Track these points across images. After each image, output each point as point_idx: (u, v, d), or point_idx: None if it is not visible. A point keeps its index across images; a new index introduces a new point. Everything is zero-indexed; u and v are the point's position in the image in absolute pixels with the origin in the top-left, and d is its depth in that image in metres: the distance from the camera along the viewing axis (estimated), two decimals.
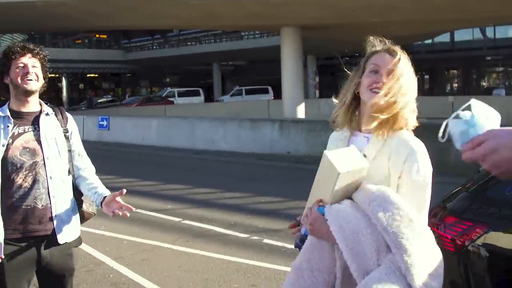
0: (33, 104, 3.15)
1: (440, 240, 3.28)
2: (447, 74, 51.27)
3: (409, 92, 2.25)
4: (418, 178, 2.17)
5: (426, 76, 51.58)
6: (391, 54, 2.26)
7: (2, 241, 2.89)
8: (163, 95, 43.59)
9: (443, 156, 12.49)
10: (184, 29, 50.93)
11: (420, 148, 2.20)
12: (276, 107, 28.40)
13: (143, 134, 19.86)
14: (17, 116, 3.09)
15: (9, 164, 2.96)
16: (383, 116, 2.21)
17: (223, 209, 9.13)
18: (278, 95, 30.96)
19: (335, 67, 51.38)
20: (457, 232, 3.21)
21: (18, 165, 2.97)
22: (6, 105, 3.14)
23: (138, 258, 6.67)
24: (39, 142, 3.05)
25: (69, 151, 3.18)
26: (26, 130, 3.07)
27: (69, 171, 3.18)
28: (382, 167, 2.20)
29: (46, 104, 3.25)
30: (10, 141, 2.99)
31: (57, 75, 57.94)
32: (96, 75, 62.61)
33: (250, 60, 58.34)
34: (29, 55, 3.04)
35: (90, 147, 16.77)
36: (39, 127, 3.09)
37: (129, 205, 3.15)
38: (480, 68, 47.65)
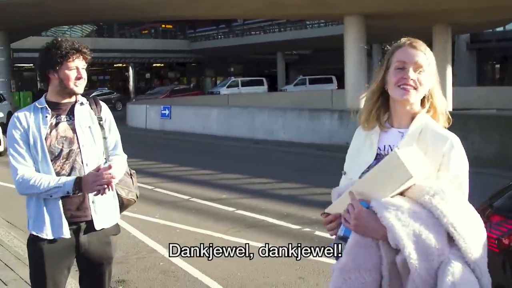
0: (70, 96, 3.21)
1: None
2: None
3: (437, 84, 2.24)
4: (457, 172, 2.13)
5: (497, 66, 49.78)
6: (414, 48, 2.21)
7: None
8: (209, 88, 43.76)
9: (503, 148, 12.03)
10: (248, 18, 50.98)
11: (456, 141, 2.17)
12: (340, 97, 28.06)
13: (203, 123, 20.04)
14: (54, 106, 3.15)
15: (47, 153, 3.03)
16: (417, 111, 2.22)
17: (277, 200, 9.09)
18: (342, 84, 30.61)
19: None
20: (502, 231, 3.09)
21: (56, 153, 3.04)
22: (43, 98, 3.20)
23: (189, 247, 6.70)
24: (74, 131, 3.11)
25: (104, 138, 3.23)
26: (63, 119, 3.14)
27: (105, 158, 3.22)
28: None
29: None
30: (49, 131, 3.07)
31: (125, 65, 59.33)
32: (162, 65, 63.61)
33: (315, 49, 57.91)
34: (81, 57, 3.09)
35: (152, 135, 17.20)
36: (73, 116, 3.16)
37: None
38: None
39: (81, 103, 3.23)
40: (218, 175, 11.84)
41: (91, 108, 3.25)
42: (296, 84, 44.31)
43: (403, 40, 2.26)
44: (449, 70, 26.92)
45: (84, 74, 3.11)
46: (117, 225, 3.30)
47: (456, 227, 1.94)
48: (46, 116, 3.10)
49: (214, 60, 61.89)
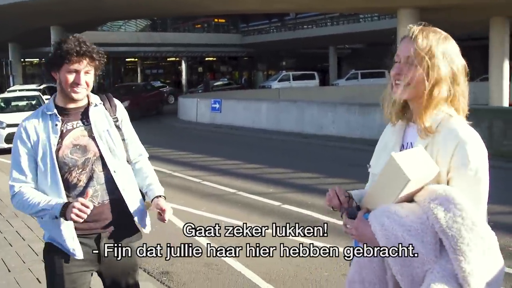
0: (81, 100, 2.94)
1: None
2: None
3: (442, 76, 2.02)
4: (468, 172, 1.94)
5: None
6: (412, 39, 2.05)
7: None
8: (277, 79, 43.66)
9: None
10: (300, 12, 50.74)
11: (470, 138, 1.97)
12: None
13: (253, 117, 20.06)
14: (64, 112, 2.90)
15: (61, 164, 2.80)
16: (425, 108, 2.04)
17: (324, 195, 8.96)
18: None
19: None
20: None
21: (70, 164, 2.81)
22: (52, 101, 2.96)
23: (235, 241, 6.72)
24: (92, 138, 2.87)
25: (123, 140, 2.99)
26: (75, 125, 2.89)
27: (128, 161, 3.01)
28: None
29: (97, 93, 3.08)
30: (60, 140, 2.82)
31: (177, 59, 59.95)
32: (214, 59, 64.02)
33: (368, 43, 57.18)
34: (85, 61, 2.79)
35: (203, 129, 17.32)
36: (89, 121, 2.90)
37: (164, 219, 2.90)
38: None
39: (95, 105, 2.96)
40: (265, 169, 11.84)
41: (106, 109, 3.00)
42: (348, 78, 43.87)
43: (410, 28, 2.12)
44: (506, 64, 26.14)
45: (85, 80, 2.81)
46: (138, 232, 3.07)
47: (448, 236, 1.82)
48: (56, 124, 2.85)
49: (266, 54, 61.91)
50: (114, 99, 3.10)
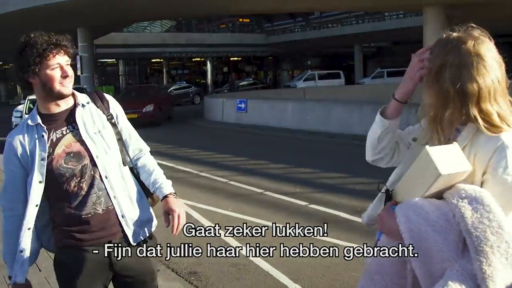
0: (66, 100, 2.72)
1: None
2: None
3: (505, 80, 2.01)
4: (505, 176, 1.90)
5: None
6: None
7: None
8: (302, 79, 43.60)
9: None
10: (325, 11, 50.62)
11: (511, 142, 1.93)
12: (418, 90, 27.32)
13: (279, 116, 20.05)
14: (50, 119, 2.68)
15: (57, 176, 2.62)
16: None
17: (351, 195, 8.96)
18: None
19: None
20: None
21: (67, 174, 2.62)
22: (35, 110, 2.72)
23: (261, 241, 6.72)
24: (82, 142, 2.66)
25: (119, 140, 2.78)
26: (64, 132, 2.68)
27: (123, 162, 2.79)
28: (469, 161, 1.97)
29: (84, 90, 2.82)
30: (51, 150, 2.63)
31: (203, 59, 60.20)
32: (239, 59, 64.16)
33: (394, 41, 56.76)
34: (62, 52, 2.58)
35: (228, 129, 17.29)
36: (77, 125, 2.68)
37: (177, 229, 2.66)
38: None
39: (82, 105, 2.74)
40: (292, 169, 11.83)
41: (97, 107, 2.78)
42: (373, 77, 43.64)
43: (462, 33, 2.04)
44: None
45: (70, 71, 2.61)
46: (152, 235, 2.90)
47: (473, 236, 1.79)
48: (43, 136, 2.63)
49: (291, 53, 61.87)
50: (105, 94, 2.90)
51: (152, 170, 2.86)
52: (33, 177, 2.61)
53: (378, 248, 2.07)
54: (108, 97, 2.87)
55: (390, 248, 2.01)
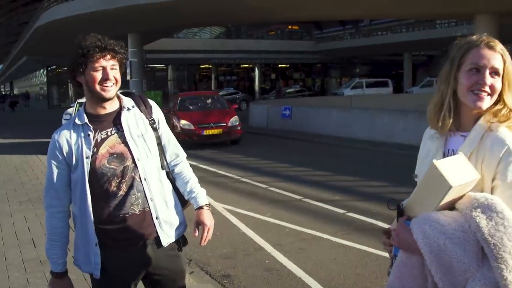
0: (112, 103, 2.80)
1: None
2: None
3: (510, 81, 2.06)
4: None
5: None
6: (492, 49, 2.05)
7: (100, 262, 2.76)
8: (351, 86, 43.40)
9: None
10: (375, 18, 50.26)
11: None
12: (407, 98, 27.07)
13: (323, 124, 20.00)
14: (96, 119, 2.77)
15: (99, 175, 2.69)
16: (482, 111, 2.07)
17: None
18: None
19: None
20: None
21: (109, 174, 2.70)
22: (82, 109, 2.82)
23: (296, 247, 6.77)
24: (126, 144, 2.75)
25: (159, 144, 2.88)
26: (109, 133, 2.76)
27: (162, 166, 2.89)
28: (476, 169, 2.01)
29: (131, 94, 2.96)
30: (95, 150, 2.71)
31: (251, 65, 60.56)
32: (287, 65, 64.25)
33: (444, 50, 55.86)
34: (108, 56, 2.65)
35: (273, 135, 17.23)
36: (122, 127, 2.77)
37: (205, 240, 2.85)
38: None
39: (128, 109, 2.84)
40: (333, 176, 11.80)
41: (141, 111, 2.87)
42: (422, 85, 43.00)
43: (477, 37, 2.10)
44: None
45: (113, 75, 2.67)
46: (183, 236, 2.99)
47: (490, 244, 1.81)
48: (89, 134, 2.72)
49: (339, 60, 61.61)
50: (149, 100, 2.98)
51: (188, 179, 2.98)
52: (78, 174, 2.70)
53: (397, 264, 2.09)
54: (151, 102, 2.95)
55: (410, 263, 2.02)
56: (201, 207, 2.91)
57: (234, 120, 17.98)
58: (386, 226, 7.55)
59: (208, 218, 2.88)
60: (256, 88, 58.20)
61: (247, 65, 62.13)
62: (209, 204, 2.99)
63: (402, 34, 50.29)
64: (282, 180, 11.27)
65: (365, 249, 6.55)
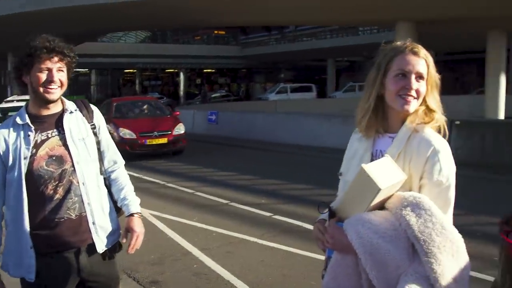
0: (55, 105, 2.78)
1: (510, 250, 3.10)
2: None
3: (436, 90, 2.19)
4: (440, 178, 2.07)
5: None
6: (416, 55, 2.16)
7: (34, 264, 2.69)
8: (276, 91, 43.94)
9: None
10: (300, 24, 51.07)
11: (442, 147, 2.11)
12: None
13: (249, 128, 20.12)
14: (38, 120, 2.73)
15: (36, 177, 2.64)
16: (416, 121, 2.17)
17: (316, 206, 9.04)
18: None
19: (455, 63, 49.43)
20: None
21: (46, 176, 2.65)
22: (24, 109, 2.78)
23: (223, 250, 6.80)
24: (66, 147, 2.72)
25: (99, 149, 2.87)
26: (50, 135, 2.73)
27: (101, 172, 2.88)
28: (404, 169, 2.11)
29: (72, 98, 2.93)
30: (34, 151, 2.66)
31: (176, 70, 60.24)
32: (213, 70, 64.31)
33: (366, 55, 57.43)
34: (56, 58, 2.63)
35: (199, 140, 17.11)
36: (63, 130, 2.74)
37: (133, 248, 2.87)
38: None
39: (71, 112, 2.81)
40: (258, 180, 11.89)
41: (83, 115, 2.86)
42: (345, 90, 44.08)
43: (402, 44, 2.21)
44: (503, 78, 26.27)
45: (58, 78, 2.65)
46: (118, 242, 2.97)
47: (420, 240, 1.93)
48: (29, 135, 2.68)
49: (264, 66, 62.21)
50: (91, 105, 2.97)
51: (123, 186, 2.99)
52: (14, 175, 2.64)
53: (332, 265, 2.14)
54: (93, 107, 2.95)
55: (345, 263, 2.09)
56: (131, 214, 2.92)
57: (179, 128, 16.37)
58: (312, 228, 7.70)
59: (137, 226, 2.88)
60: (181, 93, 57.90)
61: (172, 70, 61.72)
62: (140, 213, 2.98)
63: (326, 40, 51.32)
64: (208, 185, 11.27)
65: (291, 251, 6.65)
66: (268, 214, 8.60)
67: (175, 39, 61.16)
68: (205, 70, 63.83)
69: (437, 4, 20.87)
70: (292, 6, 22.89)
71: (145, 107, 18.07)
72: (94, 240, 2.78)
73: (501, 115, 25.15)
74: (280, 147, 17.34)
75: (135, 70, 60.00)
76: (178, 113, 18.68)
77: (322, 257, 6.67)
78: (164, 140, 15.80)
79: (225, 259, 6.42)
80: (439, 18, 23.39)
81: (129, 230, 2.87)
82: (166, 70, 62.40)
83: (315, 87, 45.31)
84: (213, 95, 47.36)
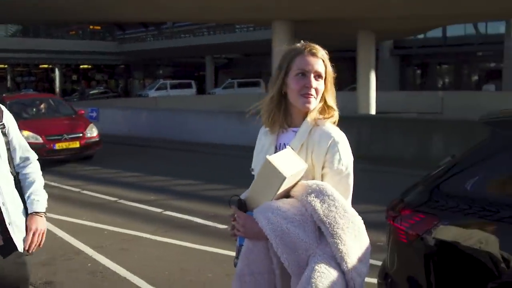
0: None
1: (396, 232, 3.39)
2: (438, 69, 51.10)
3: (333, 88, 2.41)
4: (340, 167, 2.30)
5: (418, 71, 51.65)
6: (315, 55, 2.36)
7: None
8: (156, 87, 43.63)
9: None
10: (178, 21, 50.87)
11: (341, 138, 2.33)
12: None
13: (132, 125, 19.90)
14: None
15: None
16: (316, 116, 2.38)
17: (205, 201, 9.24)
18: None
19: (330, 61, 50.98)
20: (410, 224, 3.29)
21: None
22: None
23: (117, 248, 6.79)
24: None
25: (8, 149, 2.85)
26: None
27: (12, 171, 2.88)
28: (307, 159, 2.32)
29: None
30: None
31: (51, 66, 57.86)
32: (90, 67, 62.49)
33: (244, 53, 58.35)
34: None
35: None
36: None
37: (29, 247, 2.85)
38: (471, 63, 47.63)
39: None
40: (146, 177, 11.87)
41: None
42: (224, 87, 44.57)
43: (301, 45, 2.39)
44: (372, 76, 27.72)
45: None
46: None
47: (325, 223, 2.14)
48: None
49: (143, 62, 61.36)
50: (1, 105, 2.94)
51: (32, 183, 2.95)
52: None
53: (245, 252, 2.29)
54: (2, 107, 2.88)
55: (257, 249, 2.24)
56: (32, 213, 2.89)
57: (91, 130, 14.42)
58: (202, 222, 7.91)
59: (34, 223, 2.85)
60: (57, 89, 55.76)
61: (46, 66, 59.25)
62: (43, 212, 2.95)
63: (203, 37, 51.45)
64: (95, 183, 11.09)
65: (186, 245, 6.78)
66: (159, 210, 8.66)
67: (48, 34, 58.68)
68: (81, 66, 61.81)
69: (310, 6, 21.74)
70: (171, 6, 22.86)
71: (44, 105, 15.65)
72: (14, 240, 2.77)
73: (372, 111, 26.56)
74: (164, 143, 17.33)
75: (6, 66, 56.97)
76: (83, 112, 16.50)
77: (216, 250, 6.85)
78: (75, 144, 13.77)
79: (120, 256, 6.42)
80: (313, 18, 24.27)
81: (29, 230, 2.84)
82: (40, 66, 59.79)
83: (195, 84, 45.46)
84: (91, 92, 46.17)
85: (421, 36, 42.40)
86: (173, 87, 43.45)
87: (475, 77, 47.93)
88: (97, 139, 14.51)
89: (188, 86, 44.47)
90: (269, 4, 21.97)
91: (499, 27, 41.06)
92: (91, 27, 59.33)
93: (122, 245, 6.92)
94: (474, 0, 19.68)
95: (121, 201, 9.39)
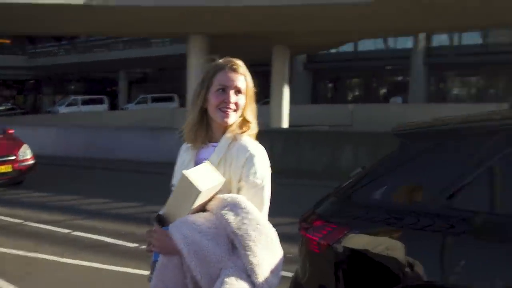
0: None
1: (309, 243, 3.45)
2: (349, 83, 52.66)
3: (253, 103, 2.44)
4: (256, 180, 2.30)
5: (330, 85, 52.97)
6: (235, 71, 2.37)
7: None
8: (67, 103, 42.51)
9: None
10: (92, 35, 49.77)
11: (258, 152, 2.35)
12: (182, 115, 28.11)
13: (41, 143, 19.12)
14: None
15: None
16: (235, 131, 2.39)
17: (115, 219, 9.00)
18: (184, 103, 30.81)
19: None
20: (322, 234, 3.35)
21: None
22: None
23: (21, 272, 6.43)
24: None
25: None
26: None
27: None
28: (225, 173, 2.32)
29: None
30: None
31: None
32: None
33: (159, 68, 57.80)
34: None
35: None
36: None
37: None
38: (380, 77, 49.36)
39: None
40: (54, 197, 11.41)
41: None
42: (137, 102, 44.07)
43: (223, 61, 2.41)
44: (286, 89, 28.10)
45: None
46: None
47: (238, 236, 2.15)
48: None
49: (54, 77, 59.65)
50: None
51: None
52: None
53: (159, 268, 2.25)
54: None
55: (171, 264, 2.21)
56: None
57: (24, 152, 12.55)
58: (112, 241, 7.65)
59: None
60: None
61: None
62: None
63: (118, 51, 50.46)
64: None
65: (96, 266, 6.53)
66: (67, 230, 8.32)
67: None
68: None
69: (223, 22, 21.87)
70: (82, 19, 22.34)
71: None
72: None
73: (285, 124, 26.90)
74: (74, 161, 16.83)
75: None
76: (12, 131, 14.13)
77: (127, 270, 6.64)
78: (7, 168, 11.87)
79: (24, 282, 6.08)
80: (230, 32, 24.42)
81: None
82: None
83: (107, 99, 44.65)
84: None
85: (333, 50, 43.44)
86: (85, 103, 42.51)
87: (384, 90, 49.65)
88: (32, 162, 12.66)
89: (100, 101, 43.62)
90: (185, 18, 21.90)
91: (406, 42, 42.85)
92: None
93: (27, 269, 6.56)
94: (382, 14, 20.36)
95: (27, 222, 8.95)
